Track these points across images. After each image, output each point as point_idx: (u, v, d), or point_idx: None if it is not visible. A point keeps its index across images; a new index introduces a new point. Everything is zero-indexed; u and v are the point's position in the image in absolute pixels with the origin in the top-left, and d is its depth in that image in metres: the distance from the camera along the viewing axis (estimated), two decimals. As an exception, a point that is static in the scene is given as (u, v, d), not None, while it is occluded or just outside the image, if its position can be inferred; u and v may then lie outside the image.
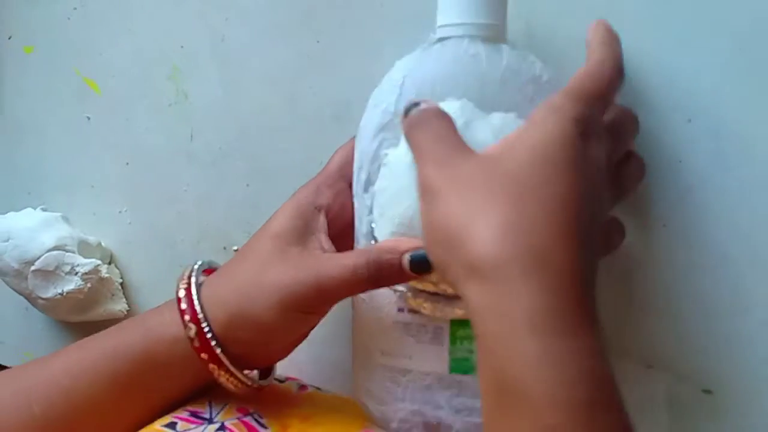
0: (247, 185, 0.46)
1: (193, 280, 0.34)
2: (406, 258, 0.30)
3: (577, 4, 0.35)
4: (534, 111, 0.27)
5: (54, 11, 0.51)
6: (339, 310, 0.34)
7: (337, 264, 0.31)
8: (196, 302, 0.32)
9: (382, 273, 0.30)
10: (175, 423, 0.32)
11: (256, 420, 0.33)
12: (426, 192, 0.27)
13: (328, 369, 0.44)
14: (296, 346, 0.35)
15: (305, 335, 0.35)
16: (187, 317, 0.32)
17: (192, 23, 0.46)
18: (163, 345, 0.33)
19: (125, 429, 0.33)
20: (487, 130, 0.29)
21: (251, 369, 0.34)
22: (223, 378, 0.33)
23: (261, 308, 0.32)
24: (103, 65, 0.50)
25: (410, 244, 0.30)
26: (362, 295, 0.33)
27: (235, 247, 0.46)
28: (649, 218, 0.35)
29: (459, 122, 0.29)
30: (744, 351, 0.34)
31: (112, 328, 0.35)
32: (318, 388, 0.38)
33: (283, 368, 0.38)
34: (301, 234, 0.33)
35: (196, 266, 0.35)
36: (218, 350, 0.32)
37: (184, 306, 0.32)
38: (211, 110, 0.46)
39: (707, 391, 0.35)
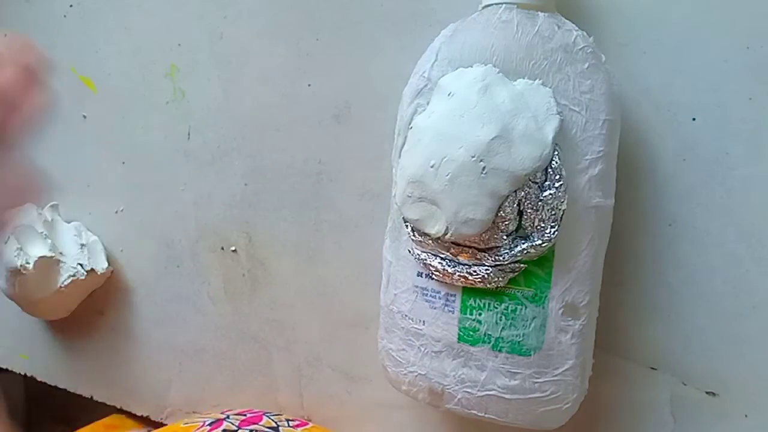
0: (246, 184, 0.45)
1: None
2: None
3: None
4: None
5: (50, 9, 0.50)
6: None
7: None
8: None
9: None
10: None
11: None
12: None
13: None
14: None
15: None
16: None
17: (190, 21, 0.45)
18: None
19: None
20: (506, 95, 0.30)
21: None
22: None
23: None
24: (99, 63, 0.49)
25: None
26: (389, 258, 0.35)
27: (233, 248, 0.46)
28: (653, 217, 0.34)
29: (478, 86, 0.30)
30: (749, 352, 0.33)
31: None
32: None
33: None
34: None
35: None
36: None
37: None
38: (209, 108, 0.46)
39: (712, 393, 0.34)
